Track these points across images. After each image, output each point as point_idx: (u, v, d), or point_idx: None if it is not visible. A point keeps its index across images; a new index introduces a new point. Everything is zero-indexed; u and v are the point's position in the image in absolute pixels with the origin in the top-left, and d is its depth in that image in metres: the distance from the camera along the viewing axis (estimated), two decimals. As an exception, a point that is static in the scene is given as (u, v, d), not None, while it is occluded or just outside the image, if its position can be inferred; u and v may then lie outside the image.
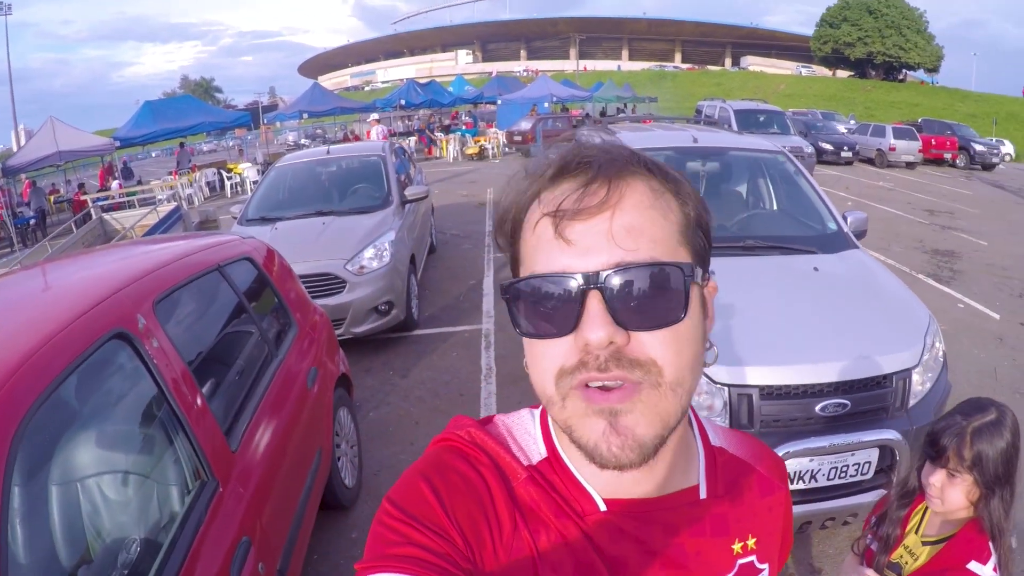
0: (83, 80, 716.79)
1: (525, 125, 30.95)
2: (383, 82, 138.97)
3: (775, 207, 6.50)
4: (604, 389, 0.86)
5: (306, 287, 5.57)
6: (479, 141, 33.04)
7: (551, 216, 0.88)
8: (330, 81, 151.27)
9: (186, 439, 2.78)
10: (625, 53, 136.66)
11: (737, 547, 1.09)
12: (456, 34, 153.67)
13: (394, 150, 11.22)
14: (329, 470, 4.53)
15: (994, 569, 2.20)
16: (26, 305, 2.91)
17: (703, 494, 1.07)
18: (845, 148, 28.85)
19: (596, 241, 0.86)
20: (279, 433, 3.62)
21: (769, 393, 3.90)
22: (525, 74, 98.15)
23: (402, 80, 57.92)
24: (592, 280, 0.85)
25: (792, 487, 3.58)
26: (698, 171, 6.43)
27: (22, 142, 33.20)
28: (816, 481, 3.88)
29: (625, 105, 49.82)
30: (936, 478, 2.32)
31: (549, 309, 0.88)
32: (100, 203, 21.32)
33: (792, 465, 3.78)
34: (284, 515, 3.42)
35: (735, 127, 20.46)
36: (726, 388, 3.91)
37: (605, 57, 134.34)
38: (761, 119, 22.38)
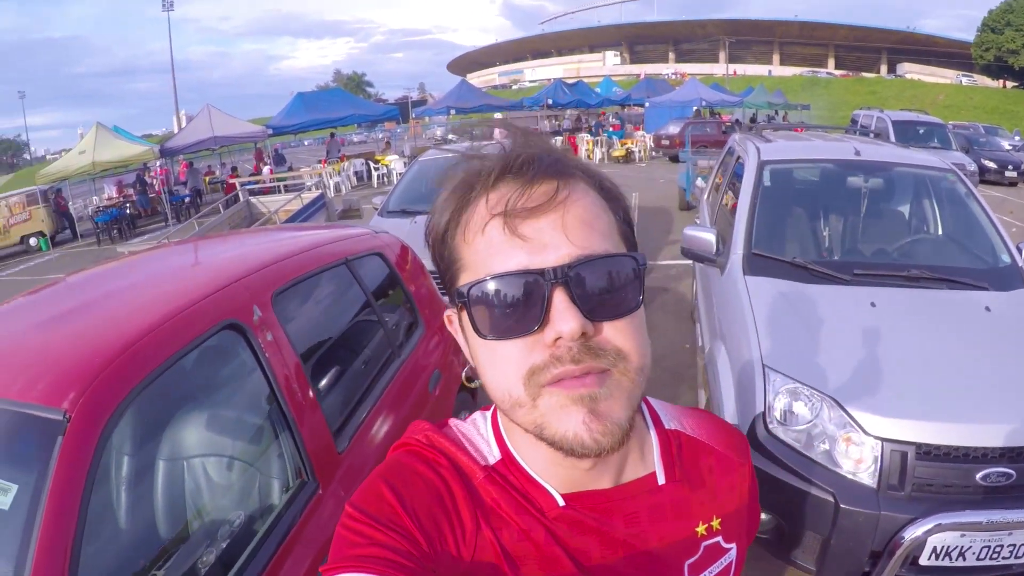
0: (241, 72, 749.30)
1: (673, 129, 30.37)
2: (531, 81, 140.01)
3: (942, 233, 5.78)
4: (577, 379, 0.86)
5: (439, 284, 5.42)
6: (626, 144, 32.72)
7: (502, 216, 0.88)
8: (478, 79, 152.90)
9: (290, 436, 2.74)
10: (776, 57, 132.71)
11: (701, 529, 1.10)
12: (603, 35, 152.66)
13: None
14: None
15: None
16: (150, 288, 2.97)
17: (661, 480, 1.08)
18: (1010, 167, 25.73)
19: (552, 237, 0.87)
20: (392, 436, 3.45)
21: (927, 452, 3.32)
22: (674, 76, 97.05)
23: (549, 80, 57.93)
24: (557, 274, 0.86)
25: (935, 564, 3.24)
26: (860, 187, 5.87)
27: (182, 126, 34.72)
28: (964, 559, 3.29)
29: (776, 112, 48.45)
30: None
31: (514, 308, 0.87)
32: (250, 187, 21.97)
33: (939, 540, 3.23)
34: None
35: (893, 139, 19.48)
36: (880, 442, 3.34)
37: (755, 61, 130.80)
38: (921, 132, 20.88)
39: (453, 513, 0.97)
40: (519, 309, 0.87)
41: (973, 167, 19.45)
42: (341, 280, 3.76)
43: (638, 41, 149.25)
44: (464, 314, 0.94)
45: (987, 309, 4.27)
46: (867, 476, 3.34)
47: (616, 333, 0.89)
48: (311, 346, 3.28)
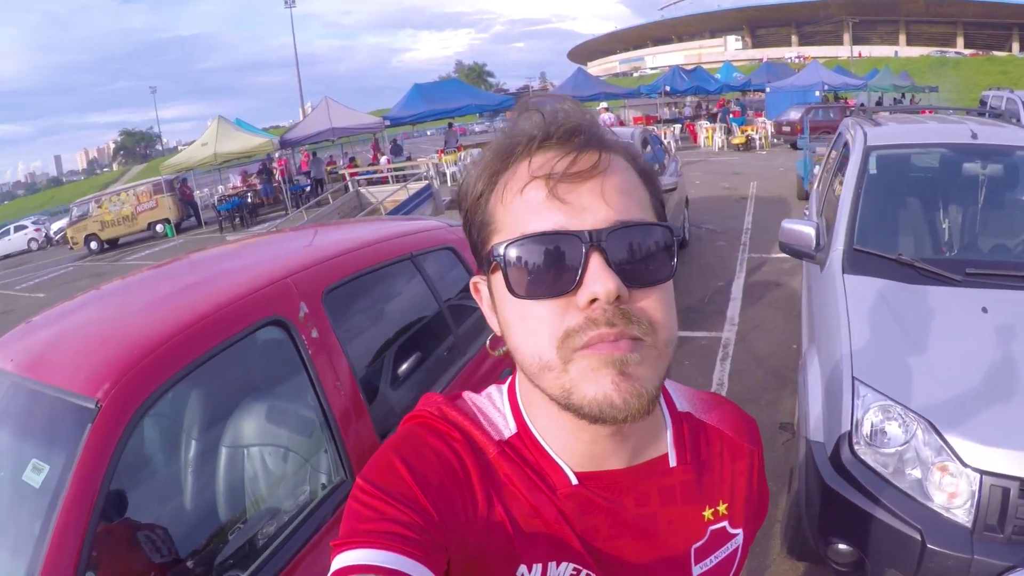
0: (365, 64, 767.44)
1: (794, 115, 29.46)
2: (651, 68, 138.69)
3: None
4: (609, 344, 0.84)
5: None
6: (746, 131, 32.05)
7: (544, 178, 0.88)
8: (598, 67, 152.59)
9: (330, 434, 2.73)
10: (902, 38, 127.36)
11: (708, 513, 1.10)
12: (724, 19, 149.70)
13: (647, 138, 10.80)
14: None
15: None
16: (201, 282, 3.03)
17: (672, 462, 1.07)
18: None
19: (592, 201, 0.87)
20: None
21: None
22: (796, 60, 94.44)
23: (670, 67, 57.26)
24: (594, 237, 0.85)
25: None
26: (977, 175, 5.26)
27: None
28: None
29: (903, 95, 46.55)
30: None
31: (549, 268, 0.86)
32: (368, 176, 22.31)
33: None
34: None
35: (1023, 121, 18.20)
36: (979, 474, 2.90)
37: (880, 42, 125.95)
38: None
39: (465, 487, 0.96)
40: (555, 269, 0.86)
41: None
42: (405, 276, 3.68)
43: (760, 24, 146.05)
44: (495, 276, 0.94)
45: None
46: (961, 513, 2.92)
47: (649, 302, 0.88)
48: (364, 344, 3.27)
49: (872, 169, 5.24)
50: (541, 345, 0.88)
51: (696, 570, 1.08)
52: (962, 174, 5.44)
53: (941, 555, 2.85)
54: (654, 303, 0.88)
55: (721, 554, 1.11)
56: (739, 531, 1.14)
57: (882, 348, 3.54)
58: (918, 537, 2.89)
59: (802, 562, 4.00)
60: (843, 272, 4.28)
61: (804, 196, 15.07)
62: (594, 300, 0.84)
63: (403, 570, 0.83)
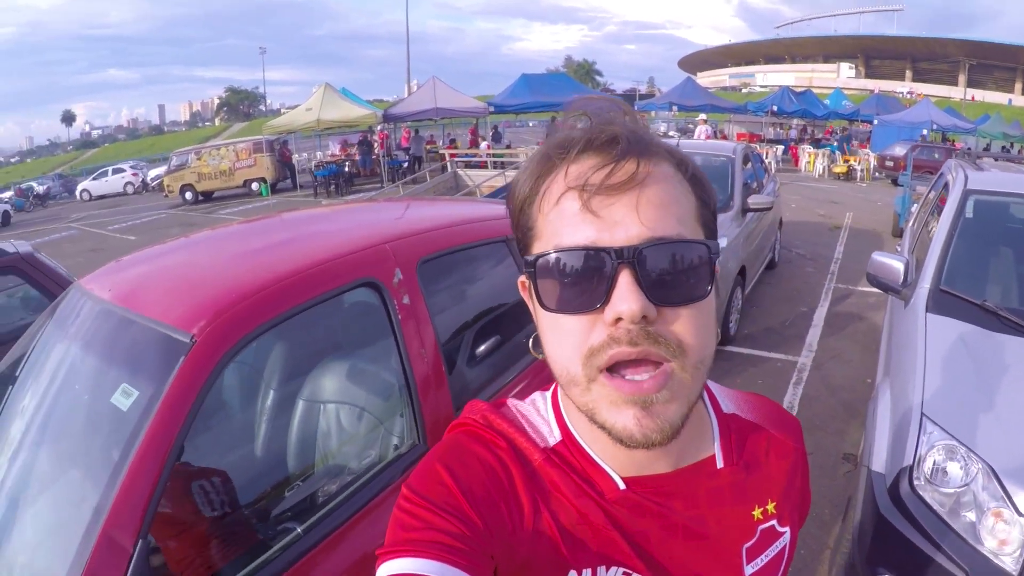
0: (473, 49, 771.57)
1: (900, 150, 28.83)
2: (761, 86, 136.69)
3: None
4: (633, 381, 0.85)
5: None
6: (848, 160, 31.54)
7: (578, 190, 0.87)
8: (708, 79, 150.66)
9: (408, 398, 2.81)
10: (1019, 86, 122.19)
11: (757, 513, 1.10)
12: (839, 45, 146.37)
13: (749, 155, 10.73)
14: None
15: None
16: (305, 240, 3.14)
17: (720, 463, 1.08)
18: None
19: (625, 215, 0.86)
20: None
21: None
22: (908, 96, 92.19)
23: (779, 86, 56.50)
24: (624, 254, 0.84)
25: None
26: None
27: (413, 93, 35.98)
28: None
29: (1012, 144, 45.19)
30: None
31: (578, 283, 0.86)
32: (466, 159, 22.47)
33: None
34: None
35: None
36: None
37: (996, 88, 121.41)
38: None
39: (511, 495, 0.97)
40: (583, 285, 0.86)
41: None
42: (498, 257, 3.75)
43: (874, 55, 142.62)
44: (531, 283, 0.93)
45: None
46: (1010, 561, 2.87)
47: (679, 322, 0.87)
48: (451, 315, 3.34)
49: (969, 213, 5.18)
50: (569, 358, 0.89)
51: (748, 569, 1.09)
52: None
53: None
54: (685, 323, 0.87)
55: (771, 553, 1.12)
56: (787, 529, 1.14)
57: (954, 389, 3.52)
58: None
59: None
60: (926, 311, 4.26)
61: (898, 233, 14.81)
62: (619, 319, 0.84)
63: None
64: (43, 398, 2.53)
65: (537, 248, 0.93)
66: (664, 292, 0.85)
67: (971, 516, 3.01)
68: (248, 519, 2.44)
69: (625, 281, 0.84)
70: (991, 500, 2.97)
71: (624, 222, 0.85)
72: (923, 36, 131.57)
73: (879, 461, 3.49)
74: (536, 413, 1.09)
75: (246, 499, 2.48)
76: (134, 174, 41.92)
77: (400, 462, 2.70)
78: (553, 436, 1.04)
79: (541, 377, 3.63)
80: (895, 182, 23.76)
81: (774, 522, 1.12)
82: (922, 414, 3.35)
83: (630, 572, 0.98)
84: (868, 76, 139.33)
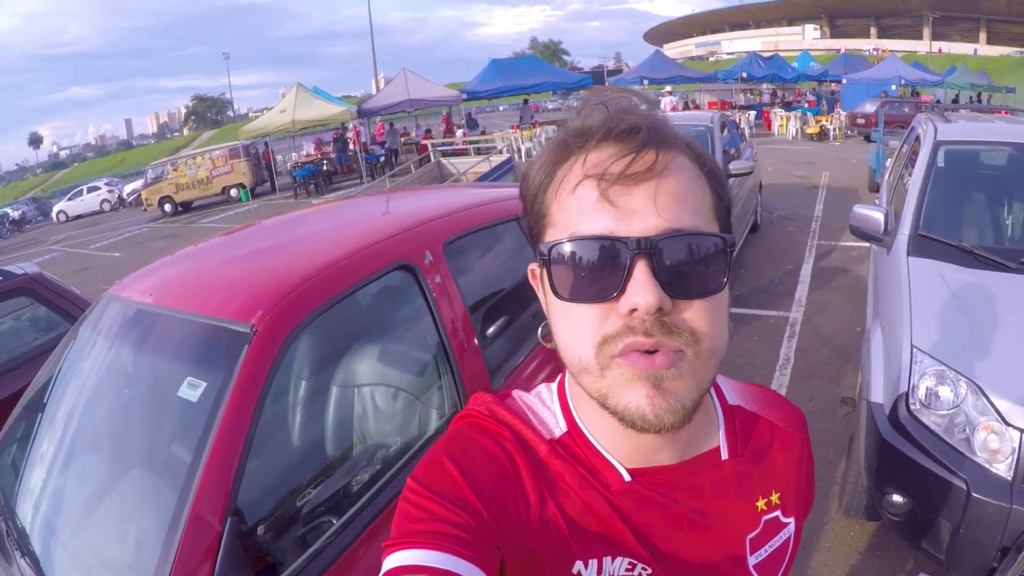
0: (437, 37, 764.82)
1: (870, 108, 29.12)
2: (728, 53, 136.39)
3: None
4: (647, 354, 0.85)
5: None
6: (820, 121, 31.82)
7: (596, 179, 0.87)
8: (674, 50, 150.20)
9: (449, 370, 3.00)
10: (983, 36, 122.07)
11: (761, 504, 1.11)
12: (803, 7, 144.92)
13: (724, 122, 10.99)
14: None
15: None
16: (335, 231, 3.38)
17: (724, 455, 1.08)
18: None
19: (642, 206, 0.86)
20: (546, 379, 3.64)
21: None
22: (874, 53, 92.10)
23: (746, 53, 56.54)
24: (641, 245, 0.84)
25: None
26: None
27: (380, 89, 35.96)
28: None
29: (980, 95, 45.66)
30: None
31: (593, 272, 0.87)
32: (442, 148, 22.61)
33: None
34: None
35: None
36: (1020, 432, 3.21)
37: (960, 39, 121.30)
38: None
39: (516, 486, 0.98)
40: (598, 274, 0.86)
41: None
42: (512, 235, 3.98)
43: (838, 14, 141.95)
44: (543, 272, 0.94)
45: None
46: (1003, 468, 3.23)
47: (694, 313, 0.87)
48: (477, 291, 3.53)
49: (940, 163, 5.49)
50: (581, 347, 0.89)
51: (752, 560, 1.10)
52: (1027, 172, 5.66)
53: (984, 503, 3.14)
54: (700, 314, 0.87)
55: (775, 543, 1.13)
56: (791, 520, 1.15)
57: (939, 321, 3.84)
58: (964, 487, 3.18)
59: (857, 520, 4.31)
60: (908, 255, 4.60)
61: (875, 188, 15.05)
62: (634, 310, 0.84)
63: (454, 570, 0.85)
64: (101, 404, 2.71)
65: (551, 236, 0.93)
66: (680, 284, 0.86)
67: (965, 433, 3.33)
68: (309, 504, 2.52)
69: (641, 272, 0.84)
70: (981, 415, 3.31)
71: (641, 212, 0.86)
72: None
73: (877, 393, 3.83)
74: (542, 404, 1.10)
75: (309, 481, 2.59)
76: (110, 191, 41.65)
77: (447, 426, 2.91)
78: (559, 427, 1.05)
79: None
80: (868, 139, 24.02)
81: (778, 513, 1.13)
82: (912, 346, 3.67)
83: (635, 563, 1.00)
84: (833, 36, 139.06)
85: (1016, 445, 3.21)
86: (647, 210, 0.85)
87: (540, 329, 1.04)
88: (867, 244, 6.87)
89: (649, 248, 0.84)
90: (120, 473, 2.47)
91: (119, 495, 2.41)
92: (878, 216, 5.06)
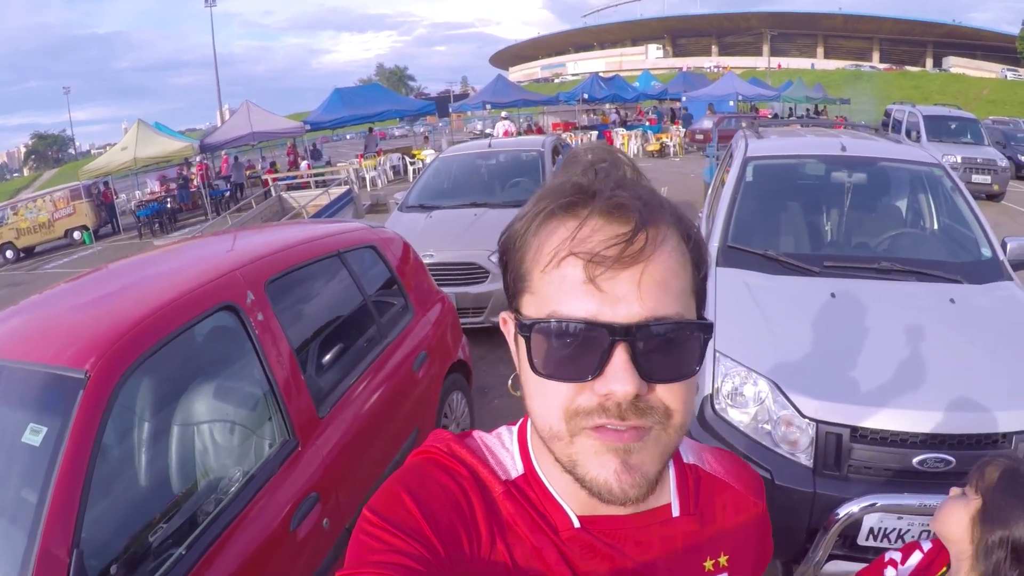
0: (284, 65, 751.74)
1: (707, 124, 30.36)
2: (573, 74, 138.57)
3: (924, 227, 5.92)
4: (615, 431, 0.87)
5: (450, 275, 5.96)
6: (660, 138, 32.82)
7: (584, 259, 0.86)
8: (521, 72, 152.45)
9: (275, 401, 3.23)
10: (820, 51, 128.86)
11: (708, 564, 1.11)
12: (646, 28, 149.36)
13: (559, 146, 11.31)
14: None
15: None
16: (160, 277, 3.53)
17: (676, 512, 1.09)
18: (1047, 163, 24.50)
19: (627, 292, 0.85)
20: (371, 407, 3.95)
21: (862, 436, 3.47)
22: (715, 71, 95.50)
23: (591, 73, 57.87)
24: (624, 332, 0.85)
25: (873, 544, 3.39)
26: (843, 182, 6.03)
27: (225, 120, 35.38)
28: (903, 542, 3.24)
29: (818, 107, 47.99)
30: (951, 492, 2.11)
31: (573, 353, 0.87)
32: (287, 181, 22.40)
33: (876, 520, 3.37)
34: (365, 478, 3.73)
35: (924, 134, 19.57)
36: (814, 423, 3.51)
37: (799, 54, 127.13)
38: (952, 127, 20.83)
39: (471, 523, 0.98)
40: (578, 356, 0.87)
41: (1005, 163, 18.91)
42: (333, 269, 4.23)
43: (681, 34, 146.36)
44: (520, 343, 0.94)
45: (951, 301, 4.37)
46: (804, 457, 3.52)
47: (667, 393, 0.89)
48: (301, 325, 3.78)
49: (749, 177, 5.89)
50: (552, 416, 0.90)
51: None
52: (831, 182, 6.17)
53: (788, 490, 3.44)
54: (673, 394, 0.89)
55: None
56: None
57: (742, 327, 4.17)
58: (768, 476, 3.46)
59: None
60: (717, 265, 4.94)
61: (710, 202, 15.71)
62: (610, 393, 0.86)
63: None
64: None
65: (531, 305, 0.93)
66: (657, 370, 0.87)
67: (768, 427, 3.65)
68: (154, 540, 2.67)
69: (621, 359, 0.85)
70: (780, 410, 3.62)
71: (626, 299, 0.85)
72: (726, 12, 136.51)
73: None
74: (501, 446, 1.11)
75: (153, 517, 2.73)
76: (-55, 238, 39.61)
77: (276, 457, 3.13)
78: (516, 469, 1.07)
79: (389, 372, 4.16)
80: (705, 154, 25.06)
81: (725, 575, 1.13)
82: (715, 351, 3.96)
83: None
84: (676, 55, 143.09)
85: (813, 435, 3.52)
86: (631, 297, 0.85)
87: (511, 380, 1.05)
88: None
89: (630, 335, 0.85)
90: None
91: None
92: None
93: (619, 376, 0.84)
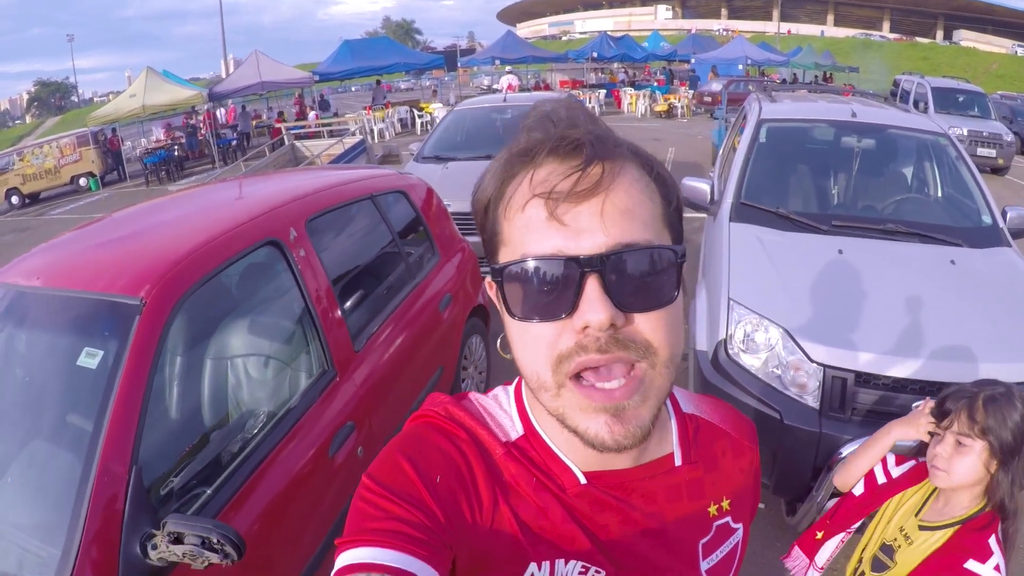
0: (290, 16, 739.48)
1: (716, 86, 30.30)
2: (580, 33, 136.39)
3: (928, 193, 6.08)
4: (604, 390, 0.88)
5: (463, 224, 6.02)
6: (668, 99, 32.77)
7: (544, 197, 0.87)
8: (528, 29, 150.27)
9: (316, 334, 3.38)
10: (830, 18, 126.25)
11: (713, 510, 1.13)
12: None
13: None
14: (451, 387, 4.94)
15: (996, 568, 2.07)
16: (205, 213, 3.66)
17: (678, 461, 1.10)
18: (1053, 138, 24.44)
19: (591, 223, 0.86)
20: (402, 343, 4.12)
21: (865, 380, 3.69)
22: (724, 34, 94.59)
23: (599, 32, 57.25)
24: (591, 262, 0.85)
25: None
26: (853, 147, 6.24)
27: (230, 71, 35.14)
28: None
29: (826, 74, 47.80)
30: (943, 447, 2.19)
31: (545, 291, 0.87)
32: (295, 131, 22.40)
33: None
34: (395, 412, 3.86)
35: (932, 105, 19.60)
36: (822, 368, 3.73)
37: (809, 21, 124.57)
38: (960, 99, 20.75)
39: (471, 487, 0.98)
40: (551, 293, 0.87)
41: (1011, 137, 18.87)
42: (367, 212, 4.41)
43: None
44: (498, 290, 0.94)
45: (952, 263, 4.60)
46: (811, 399, 3.75)
47: (647, 325, 0.88)
48: (337, 263, 3.91)
49: (762, 138, 6.07)
50: (538, 365, 0.90)
51: (704, 565, 1.11)
52: (841, 146, 6.37)
53: (795, 430, 3.68)
54: (653, 325, 0.88)
55: (725, 548, 1.15)
56: (740, 526, 1.18)
57: (754, 277, 4.38)
58: (777, 416, 3.72)
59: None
60: (730, 220, 5.13)
61: (717, 163, 15.79)
62: (587, 327, 0.85)
63: (408, 569, 0.85)
64: (5, 382, 2.87)
65: (504, 254, 0.93)
66: (632, 298, 0.86)
67: (777, 371, 3.85)
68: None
69: (592, 289, 0.84)
70: (790, 355, 3.82)
71: (590, 229, 0.85)
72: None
73: (702, 343, 4.35)
74: (498, 407, 1.10)
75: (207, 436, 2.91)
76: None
77: (316, 387, 3.29)
78: (515, 430, 1.06)
79: (417, 311, 4.34)
80: (713, 116, 25.00)
81: (728, 519, 1.15)
82: (729, 299, 4.16)
83: (588, 566, 1.00)
84: (685, 16, 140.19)
85: (820, 379, 3.74)
86: (595, 227, 0.85)
87: (499, 340, 1.03)
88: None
89: (599, 265, 0.85)
90: (33, 437, 2.65)
91: (33, 456, 2.58)
92: (704, 187, 5.63)
93: (592, 306, 0.84)
